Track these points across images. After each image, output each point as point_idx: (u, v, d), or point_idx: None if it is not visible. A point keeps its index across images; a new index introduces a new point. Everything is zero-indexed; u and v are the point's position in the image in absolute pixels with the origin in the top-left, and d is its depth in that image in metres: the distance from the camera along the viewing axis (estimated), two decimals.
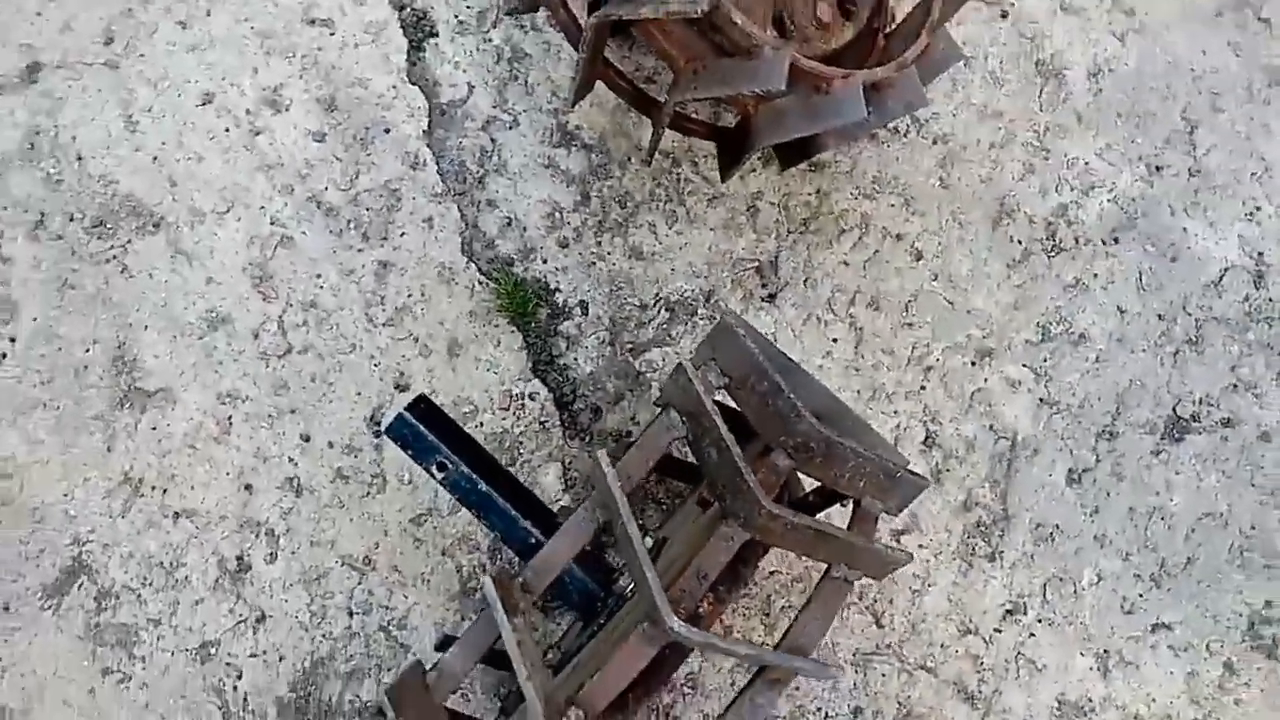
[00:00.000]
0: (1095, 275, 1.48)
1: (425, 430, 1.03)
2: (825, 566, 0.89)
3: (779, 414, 0.88)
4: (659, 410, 0.93)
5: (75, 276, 1.40)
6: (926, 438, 1.41)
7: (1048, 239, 1.49)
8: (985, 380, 1.44)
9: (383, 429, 1.11)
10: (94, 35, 1.44)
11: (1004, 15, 1.55)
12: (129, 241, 1.41)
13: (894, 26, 1.37)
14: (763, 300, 1.44)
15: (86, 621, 1.32)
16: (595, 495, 0.90)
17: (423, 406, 1.05)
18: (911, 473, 0.92)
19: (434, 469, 1.02)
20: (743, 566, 0.95)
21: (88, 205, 1.42)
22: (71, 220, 1.41)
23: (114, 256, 1.40)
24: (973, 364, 1.44)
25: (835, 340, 1.43)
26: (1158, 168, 1.52)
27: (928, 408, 1.42)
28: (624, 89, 1.27)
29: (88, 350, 1.38)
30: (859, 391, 1.41)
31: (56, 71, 1.44)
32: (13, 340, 1.37)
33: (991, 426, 1.43)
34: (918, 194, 1.48)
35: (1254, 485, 1.42)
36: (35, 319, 1.38)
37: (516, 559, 1.12)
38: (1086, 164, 1.52)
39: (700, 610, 0.89)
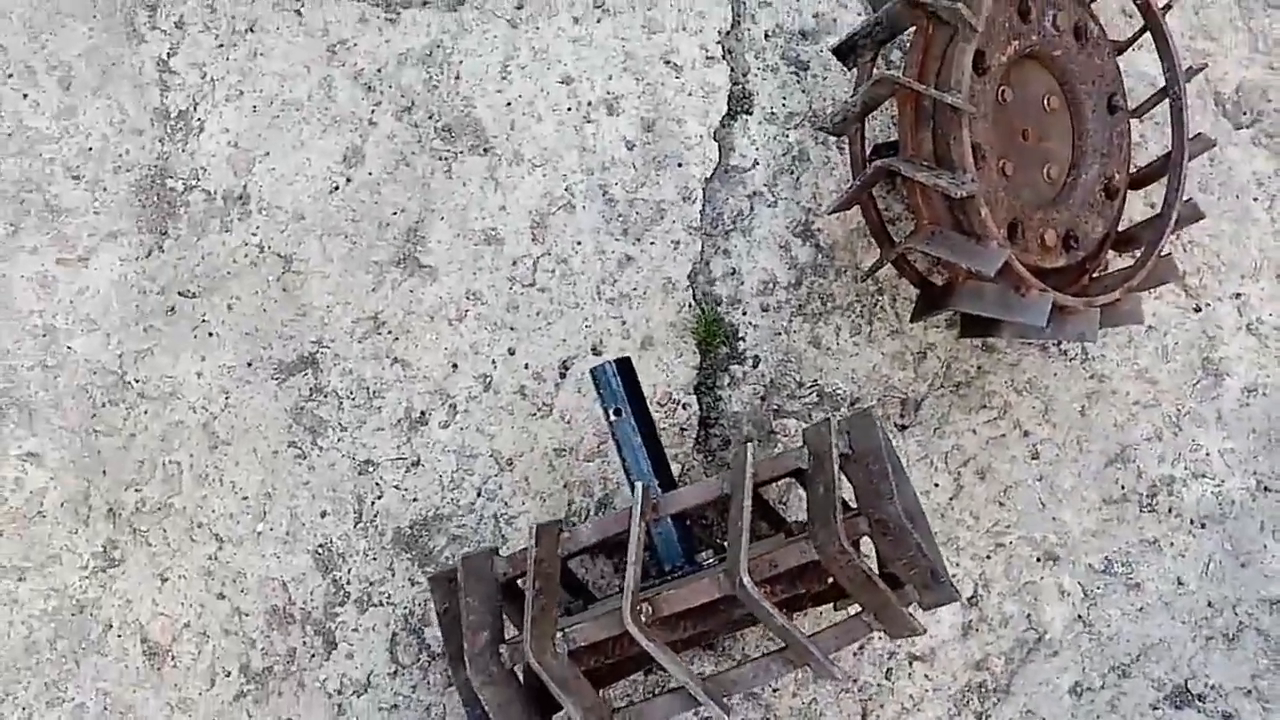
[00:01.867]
0: (1171, 544, 1.68)
1: (620, 382, 1.34)
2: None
3: (876, 491, 1.15)
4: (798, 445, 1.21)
5: (412, 157, 1.78)
6: (973, 596, 1.64)
7: (1147, 496, 1.70)
8: (1041, 578, 1.66)
9: (590, 368, 1.42)
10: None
11: (1196, 310, 1.78)
12: (461, 153, 1.79)
13: (1100, 274, 1.63)
14: (895, 427, 1.70)
15: (296, 402, 1.68)
16: (728, 473, 1.18)
17: (626, 366, 1.36)
18: (951, 582, 1.17)
19: (611, 412, 1.33)
20: (798, 583, 1.21)
21: (446, 113, 1.81)
22: (430, 118, 1.80)
23: (445, 157, 1.79)
24: (1038, 560, 1.67)
25: (937, 485, 1.68)
26: (1266, 488, 1.72)
27: (984, 574, 1.65)
28: (872, 219, 1.58)
29: (394, 213, 1.76)
30: (937, 533, 1.65)
31: (473, 10, 1.84)
32: (348, 181, 1.77)
33: (1029, 616, 1.64)
34: (1058, 409, 1.72)
35: None
36: (370, 174, 1.77)
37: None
38: (1207, 455, 1.73)
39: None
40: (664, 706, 1.14)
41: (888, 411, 1.71)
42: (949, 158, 1.37)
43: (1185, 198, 1.60)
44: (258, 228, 1.74)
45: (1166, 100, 1.64)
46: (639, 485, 1.13)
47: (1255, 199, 1.84)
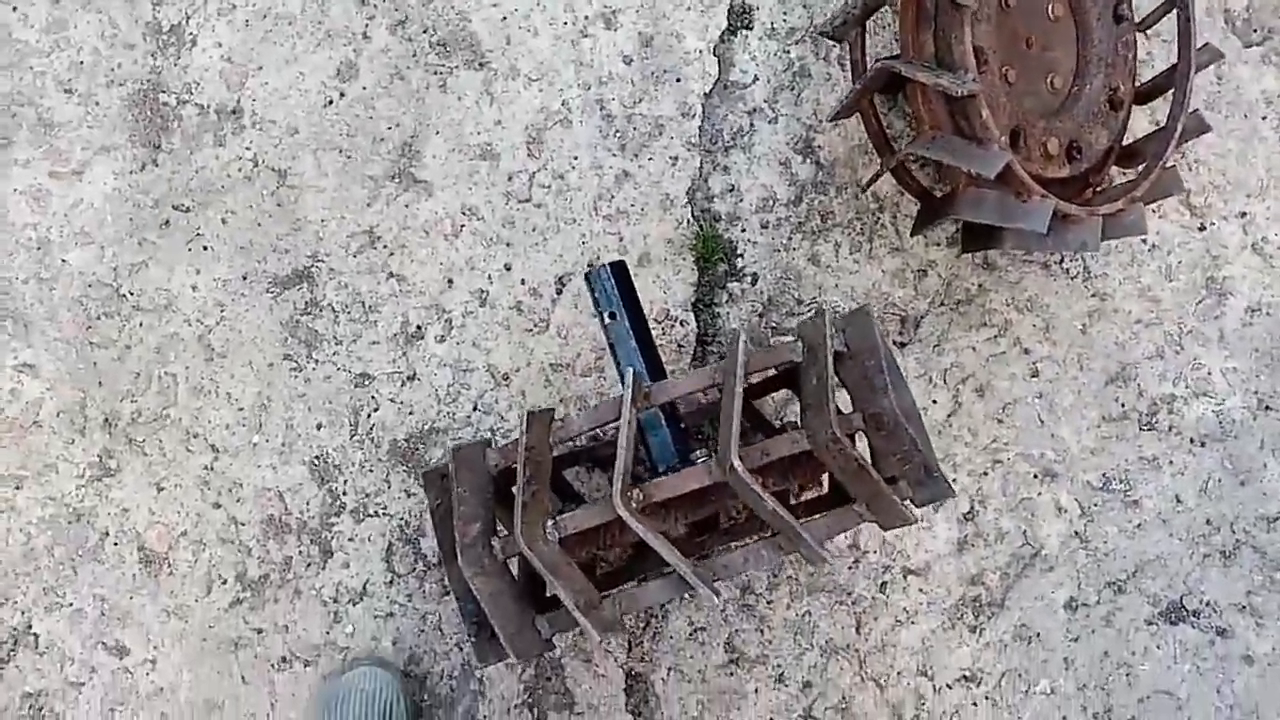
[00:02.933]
0: (1171, 463, 1.68)
1: (614, 285, 1.32)
2: None
3: (871, 386, 1.14)
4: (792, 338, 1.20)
5: (407, 72, 1.76)
6: (969, 512, 1.64)
7: (1146, 414, 1.69)
8: (1038, 494, 1.65)
9: (585, 273, 1.40)
10: None
11: (1201, 229, 1.76)
12: (456, 67, 1.76)
13: (1104, 188, 1.61)
14: (895, 344, 1.69)
15: (291, 315, 1.67)
16: (723, 362, 1.17)
17: (620, 270, 1.35)
18: (944, 478, 1.16)
19: (606, 316, 1.32)
20: (790, 476, 1.21)
21: (440, 27, 1.78)
22: (424, 32, 1.77)
23: (440, 71, 1.76)
24: (1035, 477, 1.66)
25: (935, 402, 1.67)
26: (1267, 407, 1.71)
27: (981, 490, 1.65)
28: (873, 128, 1.55)
29: (389, 128, 1.74)
30: (934, 449, 1.64)
31: None
32: (342, 95, 1.74)
33: (1025, 532, 1.64)
34: (1058, 326, 1.71)
35: (1218, 693, 1.59)
36: (365, 88, 1.75)
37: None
38: (1209, 374, 1.71)
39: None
40: (655, 591, 1.14)
41: (887, 328, 1.69)
42: (950, 58, 1.35)
43: (1191, 109, 1.57)
44: (251, 142, 1.72)
45: (1174, 13, 1.60)
46: (629, 371, 1.12)
47: (1264, 118, 1.81)
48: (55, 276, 1.66)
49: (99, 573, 1.57)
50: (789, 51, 1.80)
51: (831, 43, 1.74)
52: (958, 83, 1.30)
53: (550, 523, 1.09)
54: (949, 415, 1.67)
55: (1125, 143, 1.64)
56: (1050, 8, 1.53)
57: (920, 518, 1.23)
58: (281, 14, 1.77)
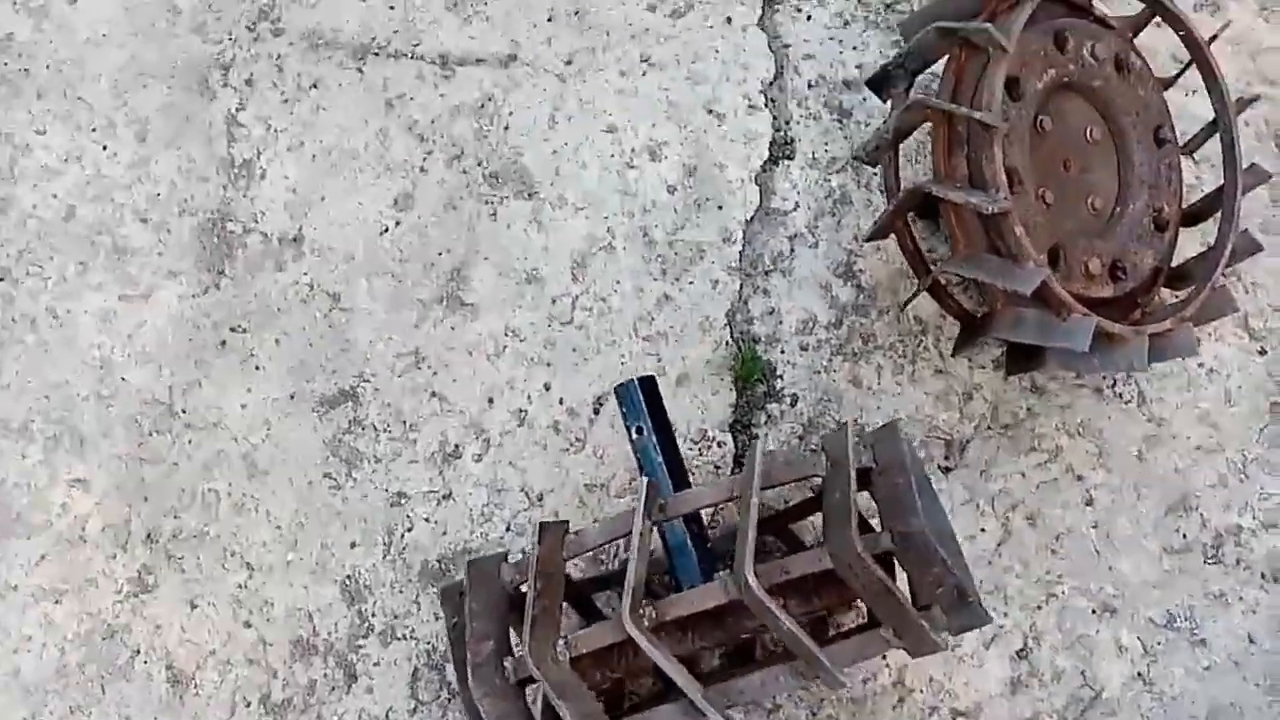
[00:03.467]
0: (1241, 599, 1.57)
1: (643, 400, 1.32)
2: None
3: (900, 503, 1.09)
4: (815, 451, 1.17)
5: (460, 202, 1.83)
6: (1022, 649, 1.54)
7: (1212, 546, 1.59)
8: (1097, 632, 1.55)
9: (614, 386, 1.40)
10: (563, 55, 1.90)
11: (1261, 353, 1.70)
12: (507, 198, 1.83)
13: (1152, 310, 1.57)
14: (939, 469, 1.64)
15: (334, 434, 1.70)
16: (740, 475, 1.14)
17: (650, 385, 1.35)
18: (980, 604, 1.10)
19: (633, 431, 1.31)
20: (816, 598, 1.15)
21: (493, 160, 1.86)
22: (478, 165, 1.85)
23: (491, 201, 1.83)
24: (1093, 612, 1.56)
25: (984, 530, 1.60)
26: None
27: (1035, 626, 1.55)
28: (908, 247, 1.56)
29: (440, 254, 1.80)
30: (982, 582, 1.57)
31: (524, 66, 1.91)
32: (398, 224, 1.82)
33: (1083, 672, 1.53)
34: (1114, 453, 1.64)
35: None
36: (419, 217, 1.82)
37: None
38: (1278, 504, 1.62)
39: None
40: (666, 716, 1.08)
41: (931, 452, 1.65)
42: (982, 179, 1.35)
43: (1241, 229, 1.54)
44: (309, 268, 1.80)
45: (1218, 135, 1.60)
46: (644, 480, 1.10)
47: None
48: (114, 394, 1.72)
49: (127, 692, 1.56)
50: (829, 180, 1.83)
51: (871, 169, 1.77)
52: (989, 201, 1.30)
53: (561, 640, 1.05)
54: (998, 544, 1.60)
55: (1174, 264, 1.61)
56: (1088, 131, 1.54)
57: (952, 645, 1.15)
58: (346, 149, 1.88)
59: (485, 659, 1.09)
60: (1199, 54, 1.55)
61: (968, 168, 1.41)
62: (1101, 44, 1.51)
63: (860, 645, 1.09)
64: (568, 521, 1.14)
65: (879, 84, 1.48)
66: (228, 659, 1.57)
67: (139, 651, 1.58)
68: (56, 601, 1.60)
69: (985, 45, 1.35)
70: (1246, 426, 1.65)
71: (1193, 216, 1.64)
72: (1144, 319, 1.55)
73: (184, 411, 1.71)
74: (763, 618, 1.00)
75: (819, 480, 1.16)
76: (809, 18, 1.97)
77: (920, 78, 1.55)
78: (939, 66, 1.52)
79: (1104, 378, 1.66)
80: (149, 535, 1.64)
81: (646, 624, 1.03)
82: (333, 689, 1.56)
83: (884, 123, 1.44)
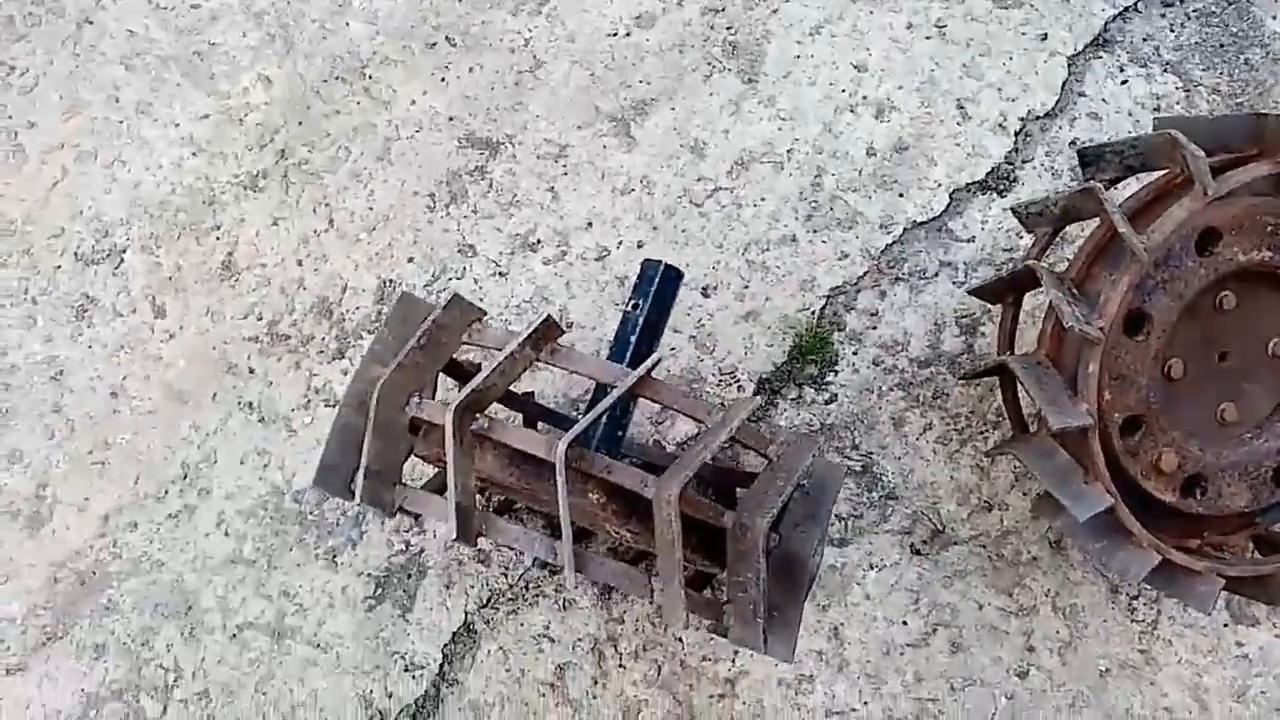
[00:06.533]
0: None
1: (658, 286, 1.33)
2: None
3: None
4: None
5: (688, 49, 1.84)
6: None
7: None
8: None
9: (644, 258, 1.39)
10: None
11: None
12: (729, 70, 1.83)
13: (1217, 550, 1.38)
14: (912, 549, 1.55)
15: (460, 168, 1.80)
16: (725, 410, 1.13)
17: (674, 277, 1.35)
18: (771, 634, 1.05)
19: (630, 304, 1.32)
20: (630, 520, 1.14)
21: (742, 31, 1.85)
22: (727, 28, 1.85)
23: (713, 64, 1.83)
24: None
25: (905, 624, 1.51)
26: None
27: None
28: (1005, 326, 1.43)
29: (641, 82, 1.83)
30: (868, 662, 1.49)
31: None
32: (628, 34, 1.85)
33: None
34: (1080, 652, 1.48)
35: None
36: (647, 40, 1.84)
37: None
38: None
39: None
40: (522, 538, 1.09)
41: (915, 530, 1.56)
42: (1094, 296, 1.22)
43: None
44: (537, 34, 1.87)
45: None
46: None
47: None
48: (335, 31, 1.91)
49: (193, 251, 1.79)
50: (1019, 235, 1.69)
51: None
52: (1077, 317, 1.17)
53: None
54: (908, 645, 1.51)
55: (1275, 528, 1.40)
56: (1274, 343, 1.33)
57: (684, 630, 1.12)
58: None
59: (368, 381, 1.17)
60: None
61: (1096, 282, 1.27)
62: None
63: (622, 573, 1.09)
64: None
65: (1091, 160, 1.34)
66: (269, 278, 1.76)
67: (219, 227, 1.80)
68: (194, 154, 1.84)
69: (1197, 180, 1.18)
70: None
71: None
72: (1200, 550, 1.37)
73: (371, 77, 1.87)
74: (659, 528, 1.00)
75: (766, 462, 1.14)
76: (1124, 81, 1.78)
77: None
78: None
79: (1126, 582, 1.49)
80: (283, 152, 1.84)
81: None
82: (322, 350, 1.71)
83: (1058, 194, 1.31)
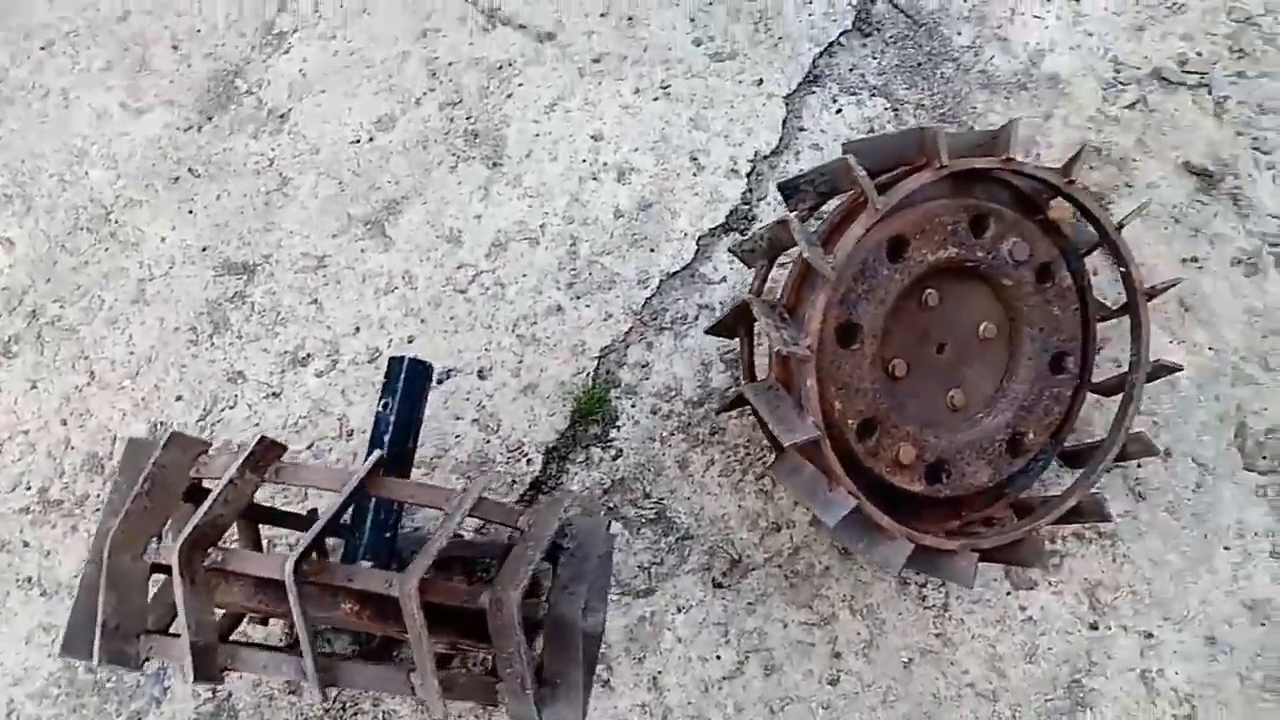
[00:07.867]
0: None
1: (405, 382, 1.35)
2: None
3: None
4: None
5: (432, 145, 1.89)
6: None
7: None
8: None
9: (391, 355, 1.41)
10: (595, 51, 1.92)
11: (1093, 627, 1.56)
12: (473, 158, 1.88)
13: (980, 528, 1.47)
14: (712, 582, 1.59)
15: (219, 296, 1.80)
16: (460, 493, 1.15)
17: (422, 371, 1.37)
18: (540, 707, 1.07)
19: (381, 403, 1.34)
20: (386, 616, 1.15)
21: (481, 120, 1.91)
22: (466, 118, 1.91)
23: (457, 155, 1.88)
24: None
25: (718, 658, 1.55)
26: None
27: None
28: (744, 356, 1.51)
29: (389, 181, 1.87)
30: (689, 704, 1.52)
31: (556, 48, 1.94)
32: (371, 140, 1.90)
33: None
34: (882, 650, 1.55)
35: None
36: (390, 142, 1.89)
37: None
38: None
39: None
40: (268, 662, 1.08)
41: (714, 564, 1.60)
42: (802, 317, 1.30)
43: (1100, 494, 1.42)
44: (279, 146, 1.90)
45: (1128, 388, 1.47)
46: (374, 452, 1.12)
47: (1226, 548, 1.60)
48: (74, 182, 1.89)
49: None
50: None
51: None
52: (786, 341, 1.25)
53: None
54: (723, 678, 1.54)
55: (1024, 496, 1.51)
56: (982, 326, 1.45)
57: (443, 716, 1.13)
58: (365, 58, 1.97)
59: (103, 535, 1.14)
60: (1133, 299, 1.43)
61: (805, 305, 1.36)
62: (1026, 246, 1.41)
63: (378, 675, 1.09)
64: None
65: (790, 192, 1.44)
66: (33, 444, 1.71)
67: None
68: None
69: (870, 201, 1.29)
70: (1033, 691, 1.53)
71: (1070, 456, 1.52)
72: (961, 531, 1.46)
73: (116, 222, 1.86)
74: (407, 623, 1.01)
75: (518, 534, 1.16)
76: (838, 110, 1.92)
77: None
78: None
79: (888, 572, 1.57)
80: (33, 313, 1.80)
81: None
82: (98, 509, 1.67)
83: (762, 228, 1.40)
